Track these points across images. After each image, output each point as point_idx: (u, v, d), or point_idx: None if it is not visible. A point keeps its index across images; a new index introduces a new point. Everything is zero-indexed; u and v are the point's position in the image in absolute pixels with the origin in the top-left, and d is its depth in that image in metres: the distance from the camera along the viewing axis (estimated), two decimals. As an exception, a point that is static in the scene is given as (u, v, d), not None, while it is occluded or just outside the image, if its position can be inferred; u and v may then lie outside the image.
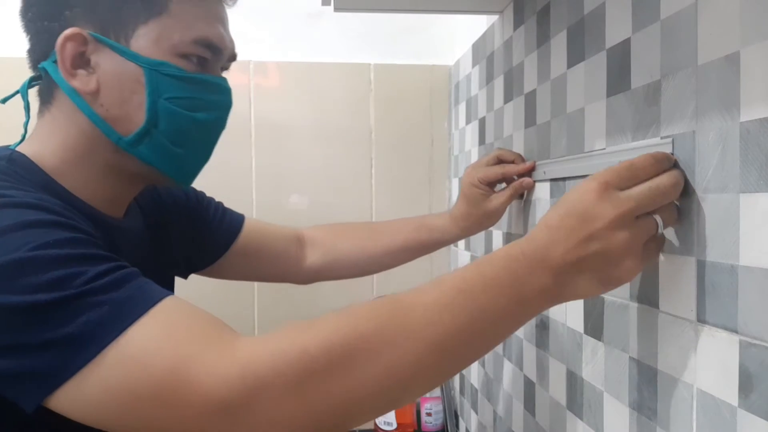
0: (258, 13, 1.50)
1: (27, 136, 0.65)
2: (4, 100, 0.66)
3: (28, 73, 0.66)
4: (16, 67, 0.73)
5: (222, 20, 0.66)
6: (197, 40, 0.62)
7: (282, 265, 0.96)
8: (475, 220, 0.95)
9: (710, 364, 0.52)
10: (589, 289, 0.51)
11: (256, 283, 1.51)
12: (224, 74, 0.70)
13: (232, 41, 0.68)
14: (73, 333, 0.46)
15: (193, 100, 0.63)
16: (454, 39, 1.54)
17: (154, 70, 0.60)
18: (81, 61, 0.60)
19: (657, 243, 0.55)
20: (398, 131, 1.56)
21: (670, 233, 0.57)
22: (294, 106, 1.52)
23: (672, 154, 0.56)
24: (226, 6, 0.67)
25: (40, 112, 0.65)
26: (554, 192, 0.86)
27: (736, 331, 0.48)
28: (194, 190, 0.91)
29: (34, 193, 0.55)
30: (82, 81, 0.60)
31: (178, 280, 0.88)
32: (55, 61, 0.60)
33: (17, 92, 0.65)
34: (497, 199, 0.93)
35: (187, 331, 0.48)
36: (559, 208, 0.52)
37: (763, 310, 0.45)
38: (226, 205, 0.94)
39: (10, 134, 0.68)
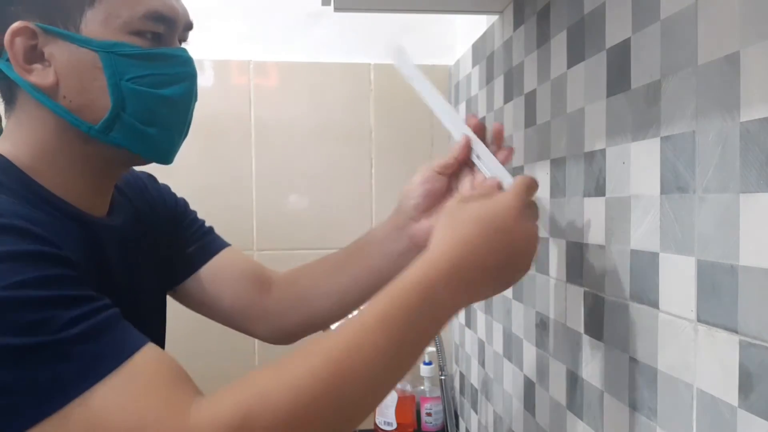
0: (258, 13, 1.50)
1: None
2: None
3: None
4: None
5: None
6: (147, 15, 0.60)
7: (241, 297, 0.84)
8: (423, 235, 0.75)
9: (710, 364, 0.52)
10: (494, 289, 0.60)
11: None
12: (185, 45, 0.68)
13: (184, 10, 0.65)
14: (40, 382, 0.45)
15: (156, 77, 0.61)
16: (454, 39, 1.54)
17: (109, 53, 0.58)
18: (34, 55, 0.58)
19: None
20: (398, 131, 1.56)
21: (672, 230, 0.57)
22: (294, 106, 1.52)
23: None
24: None
25: (6, 112, 0.63)
26: (554, 192, 0.86)
27: (736, 331, 0.48)
28: (186, 203, 0.88)
29: (18, 202, 0.54)
30: (39, 75, 0.58)
31: None
32: (8, 59, 0.58)
33: None
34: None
35: (150, 395, 0.48)
36: (471, 220, 0.58)
37: (763, 310, 0.45)
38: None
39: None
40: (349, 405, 0.50)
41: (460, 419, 1.47)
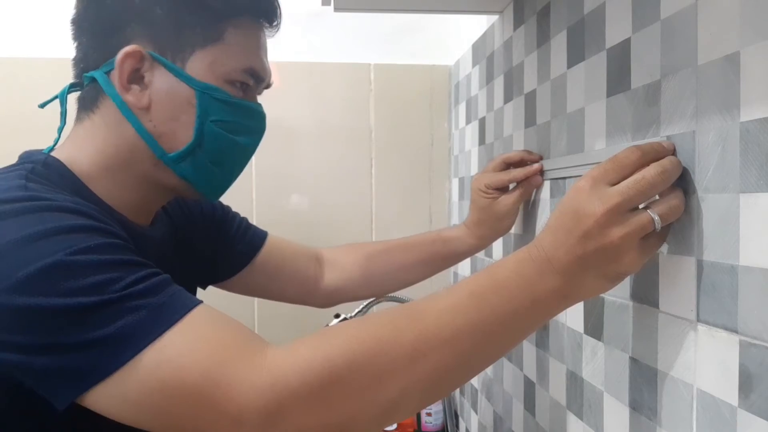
0: (258, 13, 1.50)
1: (61, 140, 0.67)
2: (43, 105, 0.68)
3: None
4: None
5: (265, 51, 0.70)
6: (246, 70, 0.66)
7: (300, 283, 0.97)
8: (488, 225, 0.94)
9: (710, 364, 0.52)
10: (597, 285, 0.53)
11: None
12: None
13: (270, 71, 0.72)
14: (112, 335, 0.48)
15: (235, 124, 0.66)
16: (454, 39, 1.54)
17: (205, 94, 0.63)
18: (135, 77, 0.63)
19: (657, 237, 0.54)
20: (398, 131, 1.56)
21: (672, 230, 0.57)
22: (294, 106, 1.52)
23: (667, 140, 0.56)
24: (267, 35, 0.72)
25: (79, 118, 0.67)
26: (554, 192, 0.86)
27: (736, 331, 0.48)
28: (221, 203, 0.92)
29: (70, 197, 0.57)
30: (135, 96, 0.63)
31: None
32: (107, 72, 0.63)
33: (56, 97, 0.67)
34: (506, 200, 0.91)
35: (220, 339, 0.50)
36: (557, 209, 0.54)
37: (763, 310, 0.45)
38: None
39: (43, 136, 0.69)
40: (440, 371, 0.50)
41: (460, 419, 1.47)
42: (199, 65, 0.63)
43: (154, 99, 0.63)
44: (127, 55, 0.61)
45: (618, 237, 0.50)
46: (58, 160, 0.63)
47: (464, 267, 1.41)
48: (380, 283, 0.99)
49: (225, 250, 0.90)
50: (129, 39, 0.62)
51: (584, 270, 0.51)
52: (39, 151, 0.65)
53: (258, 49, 0.68)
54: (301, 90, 1.52)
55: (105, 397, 0.48)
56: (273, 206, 1.51)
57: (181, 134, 0.64)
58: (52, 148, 0.66)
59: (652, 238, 0.53)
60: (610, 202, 0.50)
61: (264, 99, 0.70)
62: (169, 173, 0.66)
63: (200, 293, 0.91)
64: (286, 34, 1.52)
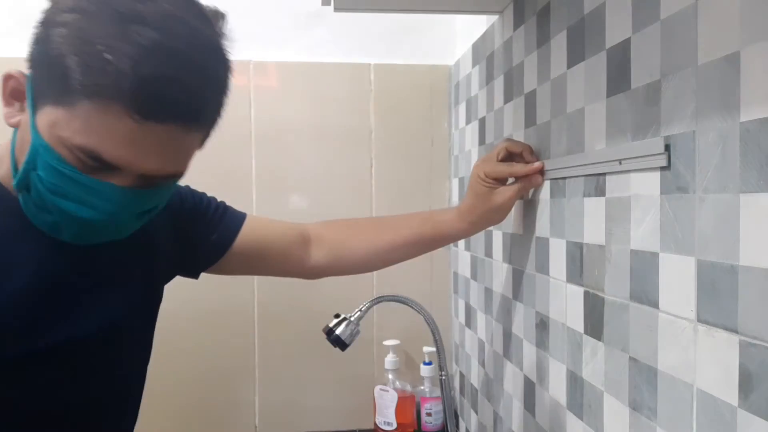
0: (258, 13, 1.50)
1: None
2: None
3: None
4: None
5: (139, 145, 0.59)
6: (84, 150, 0.58)
7: (286, 263, 0.97)
8: (481, 214, 0.95)
9: (710, 364, 0.52)
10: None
11: (255, 280, 1.51)
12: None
13: (155, 162, 0.61)
14: None
15: (63, 190, 0.61)
16: (454, 39, 1.54)
17: (37, 149, 0.61)
18: (20, 96, 0.63)
19: None
20: (398, 131, 1.56)
21: (672, 230, 0.57)
22: (294, 107, 1.52)
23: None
24: (186, 129, 0.61)
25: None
26: (554, 192, 0.86)
27: (736, 331, 0.48)
28: (191, 192, 0.91)
29: None
30: (10, 112, 0.64)
31: (186, 279, 0.90)
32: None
33: None
34: (504, 192, 0.92)
35: None
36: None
37: (763, 310, 0.45)
38: (201, 192, 0.94)
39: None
40: None
41: (460, 419, 1.47)
42: (44, 118, 0.59)
43: (21, 123, 0.64)
44: (8, 77, 0.63)
45: None
46: None
47: (464, 267, 1.41)
48: (369, 261, 1.01)
49: (202, 239, 0.89)
50: (30, 59, 0.62)
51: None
52: None
53: (118, 138, 0.58)
54: (301, 90, 1.52)
55: None
56: (273, 206, 1.51)
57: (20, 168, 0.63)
58: None
59: None
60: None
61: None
62: None
63: (200, 280, 0.92)
64: (286, 34, 1.53)
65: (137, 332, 0.80)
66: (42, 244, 0.66)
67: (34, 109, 0.61)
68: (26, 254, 0.66)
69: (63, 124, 0.58)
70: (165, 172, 0.63)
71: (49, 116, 0.59)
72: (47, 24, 0.58)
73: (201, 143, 0.66)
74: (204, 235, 0.89)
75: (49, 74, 0.58)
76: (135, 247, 0.77)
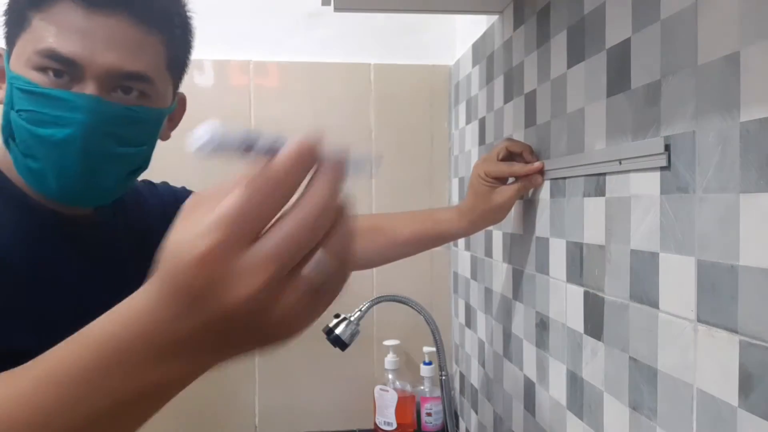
0: (258, 13, 1.50)
1: None
2: None
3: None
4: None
5: (88, 33, 0.62)
6: (40, 51, 0.62)
7: None
8: (481, 213, 0.95)
9: (710, 364, 0.52)
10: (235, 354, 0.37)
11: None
12: (133, 96, 0.66)
13: (111, 56, 0.63)
14: None
15: (37, 114, 0.62)
16: (454, 39, 1.54)
17: (11, 84, 0.64)
18: (3, 75, 0.67)
19: (334, 286, 0.35)
20: (398, 131, 1.56)
21: (672, 230, 0.57)
22: (294, 106, 1.52)
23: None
24: (134, 21, 0.63)
25: None
26: (554, 192, 0.86)
27: (736, 331, 0.48)
28: (188, 193, 0.91)
29: None
30: (2, 91, 0.67)
31: None
32: None
33: None
34: (504, 192, 0.93)
35: None
36: (164, 276, 0.33)
37: (763, 310, 0.45)
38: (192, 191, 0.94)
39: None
40: None
41: (460, 419, 1.47)
42: (14, 58, 0.65)
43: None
44: None
45: (279, 319, 0.33)
46: None
47: (464, 267, 1.41)
48: (370, 259, 1.02)
49: None
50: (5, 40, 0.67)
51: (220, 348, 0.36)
52: None
53: (68, 30, 0.62)
54: (301, 90, 1.52)
55: None
56: (273, 206, 1.51)
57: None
58: None
59: (326, 290, 0.34)
60: (259, 281, 0.31)
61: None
62: None
63: None
64: (286, 34, 1.53)
65: None
66: (40, 224, 0.68)
67: (9, 59, 0.65)
68: (25, 236, 0.67)
69: (27, 47, 0.63)
70: (124, 69, 0.64)
71: (16, 52, 0.64)
72: None
73: (167, 51, 0.68)
74: None
75: (10, 18, 0.65)
76: (131, 239, 0.77)
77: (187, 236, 0.32)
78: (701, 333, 0.53)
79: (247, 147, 0.32)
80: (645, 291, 0.62)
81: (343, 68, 1.53)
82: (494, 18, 1.14)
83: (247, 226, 0.31)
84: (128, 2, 0.63)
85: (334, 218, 0.33)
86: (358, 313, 1.20)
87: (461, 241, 1.44)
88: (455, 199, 1.53)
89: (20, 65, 0.63)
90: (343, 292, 0.36)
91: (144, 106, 0.67)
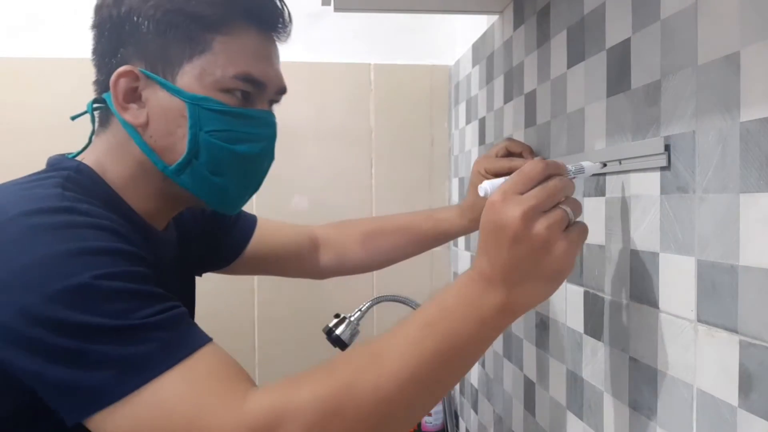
0: (258, 13, 1.50)
1: (86, 148, 0.70)
2: (74, 118, 0.70)
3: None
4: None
5: (266, 56, 0.70)
6: (237, 75, 0.65)
7: (295, 265, 1.01)
8: (481, 211, 0.95)
9: (710, 364, 0.52)
10: (539, 290, 0.54)
11: (255, 280, 1.51)
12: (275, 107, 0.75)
13: (278, 75, 0.73)
14: (121, 361, 0.51)
15: (233, 133, 0.66)
16: (454, 39, 1.54)
17: (196, 105, 0.64)
18: (133, 96, 0.65)
19: (579, 229, 0.54)
20: (398, 131, 1.56)
21: (672, 230, 0.57)
22: (294, 106, 1.52)
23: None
24: (277, 41, 0.73)
25: (97, 133, 0.70)
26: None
27: (736, 331, 0.48)
28: None
29: (104, 209, 0.60)
30: (133, 114, 0.65)
31: None
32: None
33: (85, 112, 0.69)
34: None
35: (213, 387, 0.53)
36: (481, 229, 0.55)
37: (763, 310, 0.45)
38: None
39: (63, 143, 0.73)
40: (405, 407, 0.54)
41: (460, 419, 1.47)
42: (188, 78, 0.64)
43: (151, 115, 0.65)
44: (119, 76, 0.64)
45: (543, 229, 0.51)
46: (89, 167, 0.65)
47: (464, 266, 1.41)
48: (374, 261, 1.04)
49: (217, 244, 0.93)
50: (124, 60, 0.64)
51: (523, 276, 0.53)
52: (66, 157, 0.67)
53: (252, 54, 0.67)
54: (301, 90, 1.52)
55: (104, 422, 0.51)
56: (273, 206, 1.51)
57: (178, 147, 0.65)
58: (78, 154, 0.69)
59: (573, 231, 0.54)
60: (526, 204, 0.52)
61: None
62: (175, 185, 0.67)
63: (198, 280, 0.93)
64: (286, 34, 1.53)
65: None
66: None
67: (167, 80, 0.64)
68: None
69: (210, 68, 0.64)
70: (284, 87, 0.74)
71: (191, 72, 0.64)
72: (137, 11, 0.63)
73: None
74: (220, 239, 0.93)
75: (174, 37, 0.64)
76: (183, 247, 0.81)
77: (486, 204, 0.55)
78: (701, 333, 0.53)
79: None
80: (645, 291, 0.62)
81: (343, 68, 1.53)
82: (494, 18, 1.14)
83: (516, 188, 0.54)
84: (284, 25, 0.72)
85: (567, 194, 0.55)
86: (358, 313, 1.20)
87: (461, 241, 1.44)
88: (455, 199, 1.53)
89: (205, 87, 0.64)
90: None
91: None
